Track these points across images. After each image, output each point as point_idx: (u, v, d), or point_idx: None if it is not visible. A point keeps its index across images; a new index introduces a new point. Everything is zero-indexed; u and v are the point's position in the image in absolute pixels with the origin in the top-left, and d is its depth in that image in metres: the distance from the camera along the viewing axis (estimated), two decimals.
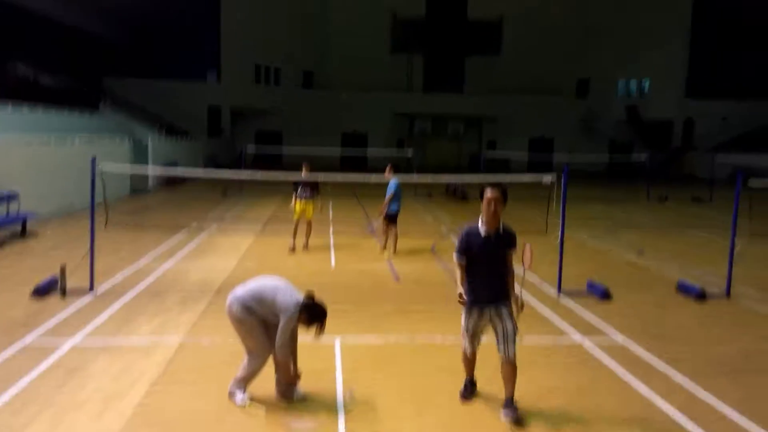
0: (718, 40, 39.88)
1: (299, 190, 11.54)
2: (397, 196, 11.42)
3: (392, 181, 11.47)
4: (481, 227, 4.82)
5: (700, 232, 15.20)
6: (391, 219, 11.48)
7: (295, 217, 11.60)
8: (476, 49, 43.49)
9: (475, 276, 4.85)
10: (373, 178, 12.32)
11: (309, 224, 11.73)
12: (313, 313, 4.85)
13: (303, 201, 11.56)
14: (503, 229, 4.86)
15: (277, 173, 11.10)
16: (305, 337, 5.15)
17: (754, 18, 34.98)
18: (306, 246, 11.69)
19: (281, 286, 4.92)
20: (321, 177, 11.90)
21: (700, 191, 23.74)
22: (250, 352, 4.98)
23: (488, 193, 4.73)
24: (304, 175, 11.52)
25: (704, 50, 39.58)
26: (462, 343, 5.11)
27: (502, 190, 4.78)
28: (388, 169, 11.71)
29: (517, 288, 5.01)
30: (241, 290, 4.95)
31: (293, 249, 11.48)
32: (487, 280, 4.83)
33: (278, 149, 33.08)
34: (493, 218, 4.74)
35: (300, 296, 4.86)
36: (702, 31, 38.84)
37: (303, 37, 40.90)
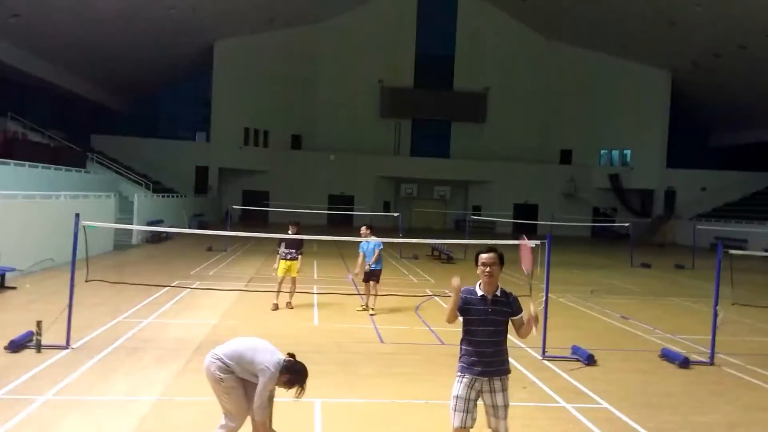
0: (696, 114, 41.36)
1: (284, 249, 11.50)
2: (380, 255, 11.60)
3: (377, 241, 11.55)
4: (479, 290, 4.64)
5: (683, 298, 15.28)
6: (376, 277, 11.55)
7: (280, 275, 11.54)
8: (462, 117, 44.66)
9: (470, 341, 4.56)
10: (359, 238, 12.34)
11: (294, 282, 11.65)
12: (293, 374, 4.75)
13: (288, 260, 11.51)
14: (502, 292, 4.66)
15: (262, 234, 11.10)
16: (284, 399, 5.04)
17: (731, 94, 36.42)
18: (290, 304, 11.58)
19: (261, 347, 4.83)
20: (307, 237, 11.90)
21: (683, 258, 24.01)
22: (227, 413, 4.84)
23: (483, 257, 4.59)
24: (290, 233, 11.48)
25: (684, 123, 40.96)
26: (450, 417, 4.61)
27: (499, 254, 4.65)
28: (365, 229, 11.69)
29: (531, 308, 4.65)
30: (220, 349, 4.86)
31: (276, 307, 11.36)
32: (482, 347, 4.52)
33: (265, 208, 33.23)
34: (489, 282, 4.58)
35: (281, 357, 4.77)
36: (682, 104, 40.26)
37: (293, 102, 41.81)
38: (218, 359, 4.77)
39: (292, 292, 11.63)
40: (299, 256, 11.61)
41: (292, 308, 11.48)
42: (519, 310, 4.64)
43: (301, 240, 11.55)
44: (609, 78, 41.01)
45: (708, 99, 39.04)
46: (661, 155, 40.67)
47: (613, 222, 37.07)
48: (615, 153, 42.78)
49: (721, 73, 35.17)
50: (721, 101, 38.00)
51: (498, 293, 4.61)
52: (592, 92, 41.86)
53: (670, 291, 16.70)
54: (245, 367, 4.72)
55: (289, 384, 4.74)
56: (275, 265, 11.65)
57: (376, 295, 11.57)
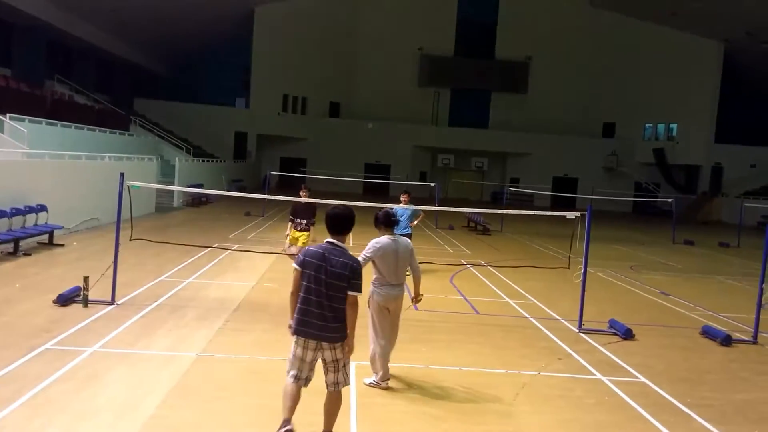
0: (748, 88, 39.63)
1: (296, 218, 10.56)
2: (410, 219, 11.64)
3: (412, 207, 11.59)
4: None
5: (726, 276, 14.89)
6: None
7: (290, 243, 10.71)
8: (503, 87, 43.82)
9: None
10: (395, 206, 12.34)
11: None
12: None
13: (298, 231, 10.51)
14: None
15: (298, 198, 10.89)
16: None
17: None
18: None
19: None
20: (318, 200, 10.45)
21: (728, 237, 23.35)
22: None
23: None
24: (302, 199, 10.53)
25: (734, 97, 39.30)
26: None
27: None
28: (406, 196, 11.75)
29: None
30: None
31: None
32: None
33: (302, 175, 33.45)
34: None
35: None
36: (733, 76, 38.62)
37: (332, 69, 41.62)
38: None
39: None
40: (311, 227, 10.52)
41: None
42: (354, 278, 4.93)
43: (314, 208, 10.50)
44: (657, 48, 39.49)
45: (762, 72, 37.30)
46: (709, 130, 39.23)
47: (656, 198, 36.16)
48: (660, 127, 41.46)
49: None
50: None
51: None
52: (639, 63, 40.42)
53: (713, 269, 16.28)
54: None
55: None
56: (287, 232, 10.79)
57: None
